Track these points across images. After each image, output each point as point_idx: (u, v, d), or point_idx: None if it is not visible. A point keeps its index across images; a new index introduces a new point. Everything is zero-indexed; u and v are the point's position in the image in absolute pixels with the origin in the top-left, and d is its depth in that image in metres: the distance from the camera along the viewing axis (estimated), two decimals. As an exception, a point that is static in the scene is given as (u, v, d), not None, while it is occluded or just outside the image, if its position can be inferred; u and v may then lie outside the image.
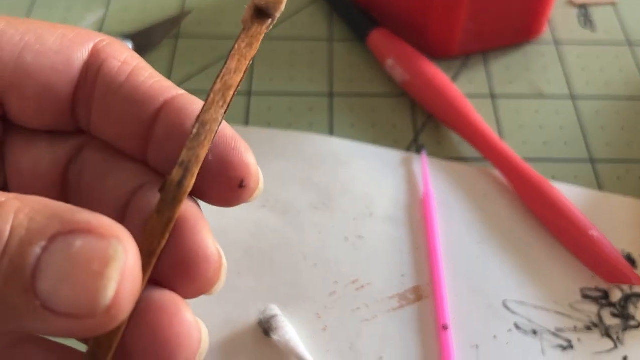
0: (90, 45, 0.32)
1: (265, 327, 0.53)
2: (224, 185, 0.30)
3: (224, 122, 0.29)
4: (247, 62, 0.29)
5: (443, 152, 0.65)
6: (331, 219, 0.60)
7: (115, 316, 0.22)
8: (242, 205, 0.58)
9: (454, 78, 0.71)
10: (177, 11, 0.76)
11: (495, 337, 0.54)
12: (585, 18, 0.79)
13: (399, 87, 0.70)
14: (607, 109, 0.70)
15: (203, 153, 0.27)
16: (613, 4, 0.80)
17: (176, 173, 0.26)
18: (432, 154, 0.65)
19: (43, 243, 0.21)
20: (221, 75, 0.29)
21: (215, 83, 0.28)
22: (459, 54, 0.74)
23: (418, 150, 0.65)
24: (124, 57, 0.32)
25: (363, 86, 0.71)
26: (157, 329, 0.26)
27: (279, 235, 0.59)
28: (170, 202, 0.26)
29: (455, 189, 0.62)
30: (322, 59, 0.73)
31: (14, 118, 0.32)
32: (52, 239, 0.22)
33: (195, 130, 0.27)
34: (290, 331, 0.52)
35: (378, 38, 0.71)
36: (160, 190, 0.26)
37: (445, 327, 0.54)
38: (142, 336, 0.26)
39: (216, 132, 0.28)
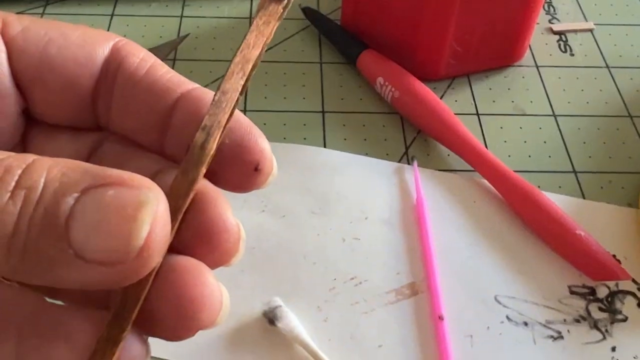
0: (111, 43, 0.33)
1: (270, 317, 0.54)
2: (240, 169, 0.31)
3: (238, 111, 0.30)
4: (265, 39, 0.30)
5: (433, 164, 0.68)
6: (328, 222, 0.62)
7: (146, 260, 0.23)
8: (243, 209, 0.60)
9: (441, 98, 0.74)
10: (173, 37, 0.79)
11: (488, 328, 0.56)
12: (564, 43, 0.82)
13: (388, 105, 0.73)
14: (589, 125, 0.73)
15: (224, 119, 0.28)
16: (590, 30, 0.84)
17: (199, 136, 0.27)
18: (422, 166, 0.67)
19: (76, 195, 0.22)
20: (240, 49, 0.30)
21: (234, 56, 0.29)
22: (445, 76, 0.77)
23: (409, 162, 0.68)
24: (142, 55, 0.33)
25: (354, 104, 0.74)
26: (181, 289, 0.27)
27: (279, 237, 0.61)
28: (194, 163, 0.27)
29: (446, 196, 0.65)
30: (314, 80, 0.76)
31: (38, 112, 0.32)
32: (85, 191, 0.22)
33: (216, 98, 0.28)
34: (294, 320, 0.54)
35: (367, 59, 0.74)
36: (185, 154, 0.27)
37: (440, 318, 0.56)
38: (166, 296, 0.27)
39: (237, 101, 0.29)
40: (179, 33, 0.80)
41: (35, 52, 0.31)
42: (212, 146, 0.27)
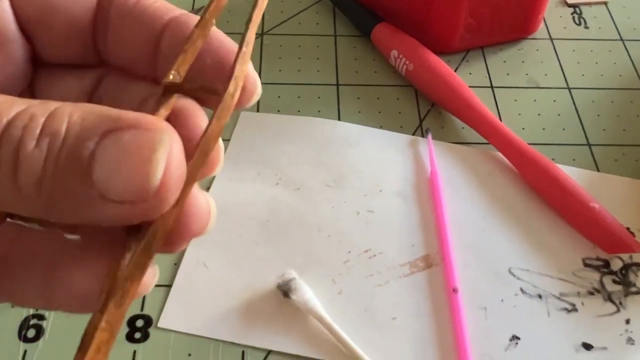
0: None
1: (285, 289, 0.55)
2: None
3: (220, 31, 0.32)
4: None
5: (447, 137, 0.68)
6: (342, 195, 0.62)
7: (164, 198, 0.24)
8: (257, 183, 0.60)
9: (455, 70, 0.74)
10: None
11: (502, 300, 0.57)
12: (579, 16, 0.82)
13: (403, 78, 0.73)
14: (603, 98, 0.73)
15: (247, 68, 0.29)
16: (604, 3, 0.84)
17: (232, 86, 0.29)
18: (437, 138, 0.67)
19: (96, 139, 0.23)
20: (256, 4, 0.31)
21: (253, 12, 0.30)
22: (459, 49, 0.77)
23: (423, 134, 0.68)
24: None
25: (368, 77, 0.74)
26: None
27: (293, 210, 0.61)
28: (226, 109, 0.28)
29: (460, 169, 0.65)
30: (328, 52, 0.76)
31: (44, 54, 0.33)
32: (104, 135, 0.23)
33: (243, 50, 0.29)
34: (308, 292, 0.55)
35: (382, 32, 0.74)
36: (216, 102, 0.28)
37: (455, 290, 0.56)
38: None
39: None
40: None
41: None
42: (239, 93, 0.29)
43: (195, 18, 0.32)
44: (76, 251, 0.28)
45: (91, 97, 0.34)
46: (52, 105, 0.24)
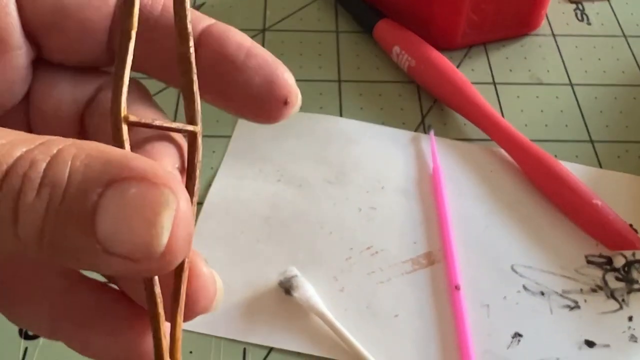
0: None
1: (286, 287, 0.55)
2: (271, 103, 0.32)
3: (263, 48, 0.31)
4: None
5: (449, 134, 0.68)
6: (344, 191, 0.62)
7: (170, 261, 0.23)
8: (259, 179, 0.60)
9: (457, 67, 0.74)
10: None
11: (505, 297, 0.56)
12: (581, 12, 0.82)
13: (405, 74, 0.73)
14: (606, 94, 0.73)
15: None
16: (607, -1, 0.84)
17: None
18: (439, 135, 0.67)
19: (100, 189, 0.22)
20: None
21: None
22: (462, 45, 0.77)
23: (426, 131, 0.67)
24: None
25: (370, 73, 0.74)
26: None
27: (295, 207, 0.61)
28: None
29: (462, 165, 0.65)
30: (330, 49, 0.76)
31: (51, 57, 0.32)
32: (108, 185, 0.22)
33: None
34: (310, 289, 0.55)
35: (384, 28, 0.74)
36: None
37: (457, 288, 0.56)
38: (167, 289, 0.27)
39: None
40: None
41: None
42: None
43: (230, 27, 0.31)
44: (91, 301, 0.28)
45: (91, 102, 0.33)
46: (54, 146, 0.23)
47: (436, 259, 0.58)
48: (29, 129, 0.33)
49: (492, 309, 0.56)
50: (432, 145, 0.65)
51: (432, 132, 0.66)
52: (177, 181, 0.24)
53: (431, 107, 0.70)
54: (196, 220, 0.60)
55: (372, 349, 0.53)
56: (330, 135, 0.66)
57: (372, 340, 0.53)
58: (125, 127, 0.26)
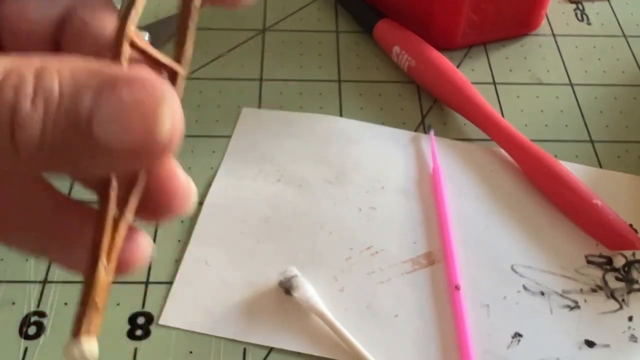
0: None
1: (286, 287, 0.54)
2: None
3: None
4: None
5: (449, 134, 0.68)
6: (344, 191, 0.62)
7: (168, 149, 0.24)
8: (259, 179, 0.60)
9: (457, 67, 0.74)
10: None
11: (505, 297, 0.56)
12: (581, 12, 0.82)
13: (405, 74, 0.73)
14: (606, 94, 0.73)
15: None
16: (607, 0, 0.84)
17: None
18: (439, 135, 0.67)
19: (92, 94, 0.23)
20: None
21: None
22: (462, 45, 0.77)
23: (426, 131, 0.67)
24: None
25: (370, 73, 0.74)
26: (157, 183, 0.29)
27: (295, 207, 0.61)
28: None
29: (462, 165, 0.65)
30: (330, 49, 0.76)
31: None
32: (99, 90, 0.23)
33: None
34: (310, 289, 0.54)
35: (384, 28, 0.74)
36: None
37: (457, 288, 0.56)
38: (146, 188, 0.29)
39: None
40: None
41: None
42: None
43: None
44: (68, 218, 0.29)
45: (63, 21, 0.33)
46: (37, 61, 0.24)
47: (436, 259, 0.58)
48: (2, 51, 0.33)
49: (492, 309, 0.56)
50: (432, 145, 0.65)
51: (432, 132, 0.66)
52: (168, 84, 0.25)
53: (431, 107, 0.70)
54: (196, 220, 0.60)
55: (372, 349, 0.53)
56: (330, 135, 0.66)
57: (372, 340, 0.53)
58: (127, 48, 0.26)
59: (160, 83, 0.24)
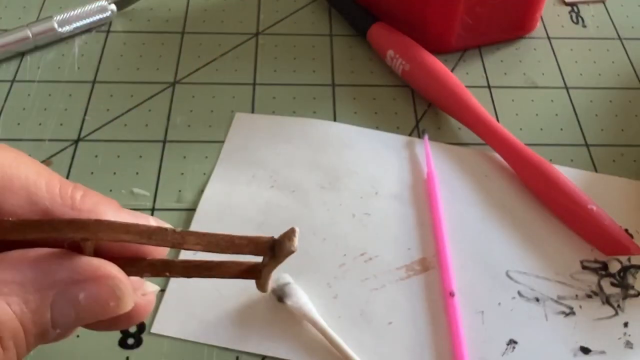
0: None
1: (279, 294, 0.54)
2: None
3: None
4: None
5: (443, 138, 0.67)
6: (338, 197, 0.62)
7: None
8: (252, 185, 0.60)
9: (452, 70, 0.73)
10: (182, 6, 0.78)
11: (499, 303, 0.56)
12: (576, 14, 0.82)
13: (399, 78, 0.72)
14: (601, 97, 0.72)
15: None
16: (602, 2, 0.83)
17: None
18: (433, 139, 0.67)
19: (48, 315, 0.29)
20: None
21: None
22: (456, 49, 0.76)
23: (420, 135, 0.67)
24: None
25: (364, 77, 0.73)
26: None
27: (288, 212, 0.60)
28: None
29: (457, 170, 0.64)
30: (324, 52, 0.76)
31: None
32: (54, 301, 0.28)
33: None
34: (303, 297, 0.54)
35: (378, 31, 0.74)
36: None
37: (451, 294, 0.55)
38: None
39: None
40: (188, 3, 0.80)
41: None
42: None
43: None
44: None
45: None
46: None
47: (430, 265, 0.58)
48: None
49: (487, 315, 0.55)
50: (427, 150, 0.64)
51: (426, 137, 0.66)
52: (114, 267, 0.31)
53: (425, 111, 0.70)
54: (188, 227, 0.60)
55: (365, 356, 0.52)
56: (324, 139, 0.66)
57: (365, 347, 0.53)
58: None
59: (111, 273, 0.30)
